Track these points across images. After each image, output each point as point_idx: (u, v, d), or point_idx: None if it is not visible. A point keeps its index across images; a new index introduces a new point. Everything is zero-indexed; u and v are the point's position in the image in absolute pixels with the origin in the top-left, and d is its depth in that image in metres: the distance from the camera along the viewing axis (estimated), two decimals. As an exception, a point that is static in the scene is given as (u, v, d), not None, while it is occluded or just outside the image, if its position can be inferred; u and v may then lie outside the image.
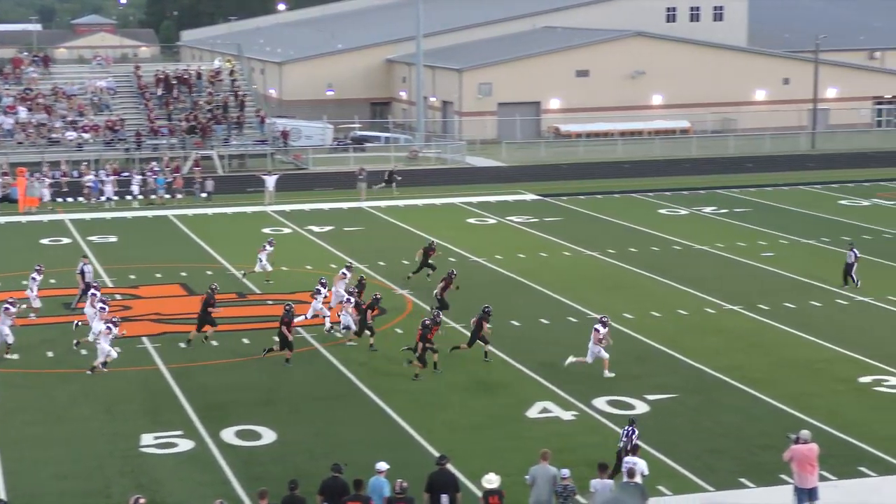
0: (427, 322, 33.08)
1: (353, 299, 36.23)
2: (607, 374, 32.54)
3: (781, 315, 39.07)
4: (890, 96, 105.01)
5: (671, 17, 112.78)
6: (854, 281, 42.83)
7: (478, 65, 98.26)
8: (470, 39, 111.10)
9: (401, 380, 32.40)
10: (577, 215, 59.78)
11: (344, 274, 39.44)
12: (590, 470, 24.66)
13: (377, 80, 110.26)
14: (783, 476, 24.64)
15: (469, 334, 34.53)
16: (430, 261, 44.13)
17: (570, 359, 32.96)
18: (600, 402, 30.36)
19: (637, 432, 24.37)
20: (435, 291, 39.38)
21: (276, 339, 34.27)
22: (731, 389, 31.66)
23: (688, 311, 39.83)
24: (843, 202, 63.06)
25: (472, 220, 58.68)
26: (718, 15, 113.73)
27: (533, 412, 29.74)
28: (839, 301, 41.04)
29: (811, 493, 23.00)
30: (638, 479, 22.42)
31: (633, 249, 50.26)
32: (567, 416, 29.51)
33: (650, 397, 30.75)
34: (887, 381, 32.28)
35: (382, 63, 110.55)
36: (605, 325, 32.93)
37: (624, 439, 24.39)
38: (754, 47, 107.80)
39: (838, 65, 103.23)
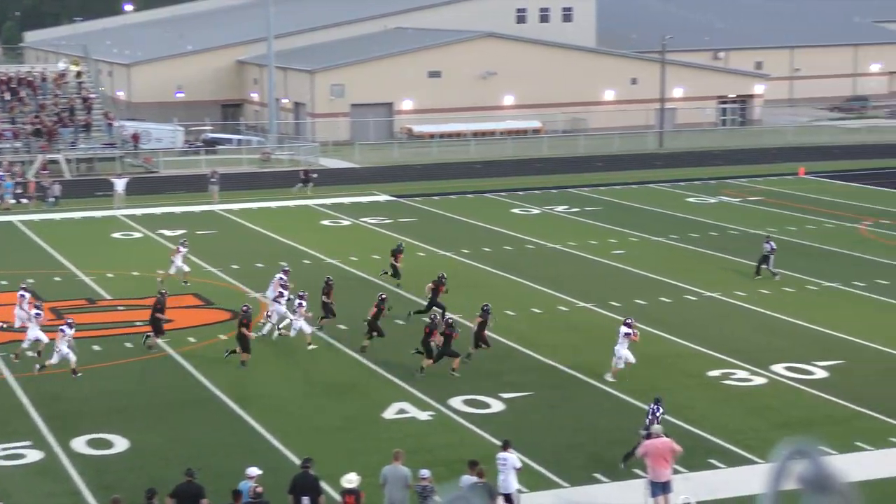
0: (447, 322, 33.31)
1: (304, 303, 35.85)
2: (610, 378, 32.29)
3: (632, 311, 39.67)
4: (734, 96, 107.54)
5: (521, 17, 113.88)
6: (772, 273, 44.07)
7: (330, 66, 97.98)
8: (322, 40, 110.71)
9: (257, 385, 32.15)
10: (431, 216, 60.00)
11: (282, 278, 39.17)
12: (447, 470, 24.80)
13: (228, 82, 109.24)
14: (636, 470, 25.03)
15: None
16: (397, 264, 43.58)
17: (609, 377, 32.42)
18: (456, 402, 30.49)
19: (662, 409, 25.62)
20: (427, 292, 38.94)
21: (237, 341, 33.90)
22: (586, 386, 32.08)
23: (542, 310, 40.24)
24: (690, 200, 64.37)
25: (325, 222, 58.49)
26: (567, 16, 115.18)
27: (389, 413, 29.74)
28: (688, 297, 41.87)
29: (665, 487, 23.42)
30: (509, 474, 22.84)
31: (486, 249, 50.62)
32: (424, 416, 29.57)
33: (506, 395, 30.98)
34: (734, 374, 33.02)
35: (233, 64, 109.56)
36: (630, 325, 32.56)
37: (650, 417, 25.47)
38: (603, 48, 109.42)
39: (684, 65, 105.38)
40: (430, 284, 38.79)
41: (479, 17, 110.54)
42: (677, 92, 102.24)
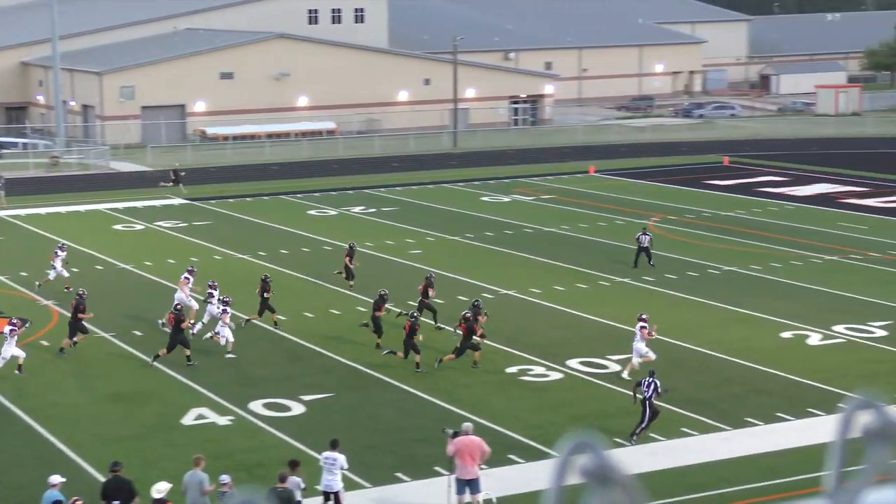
0: (468, 312, 33.67)
1: (228, 309, 35.33)
2: (626, 375, 32.39)
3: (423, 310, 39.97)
4: (525, 96, 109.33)
5: (313, 19, 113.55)
6: (650, 263, 45.60)
7: (119, 67, 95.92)
8: (110, 41, 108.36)
9: (50, 395, 31.30)
10: (227, 218, 59.34)
11: (187, 279, 38.71)
12: (248, 475, 24.64)
13: (12, 84, 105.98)
14: (438, 468, 25.24)
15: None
16: (351, 265, 43.18)
17: (625, 373, 32.54)
18: (256, 406, 30.26)
19: (658, 382, 27.39)
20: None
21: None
22: (385, 386, 32.20)
23: (340, 311, 40.22)
24: (484, 199, 65.19)
25: (118, 227, 57.28)
26: (360, 17, 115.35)
27: (188, 419, 29.33)
28: (485, 295, 42.35)
29: (471, 484, 23.68)
30: (337, 473, 22.96)
31: (284, 251, 50.35)
32: (223, 421, 29.25)
33: (306, 397, 30.88)
34: (531, 370, 33.58)
35: (17, 66, 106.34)
36: (645, 321, 32.89)
37: (646, 390, 27.31)
38: (396, 49, 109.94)
39: (475, 66, 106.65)
40: (421, 285, 38.67)
41: (270, 18, 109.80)
42: (470, 92, 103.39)
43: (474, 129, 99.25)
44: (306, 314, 39.50)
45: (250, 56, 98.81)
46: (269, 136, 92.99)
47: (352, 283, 43.10)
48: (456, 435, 23.80)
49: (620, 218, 58.20)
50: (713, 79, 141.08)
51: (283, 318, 38.37)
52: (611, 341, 36.26)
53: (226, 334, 34.96)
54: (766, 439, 28.13)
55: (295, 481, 22.18)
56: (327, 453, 23.48)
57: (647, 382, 27.66)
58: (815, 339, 36.65)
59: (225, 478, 22.16)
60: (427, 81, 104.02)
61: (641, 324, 33.03)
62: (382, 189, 68.43)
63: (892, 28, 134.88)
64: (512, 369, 33.67)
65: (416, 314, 34.54)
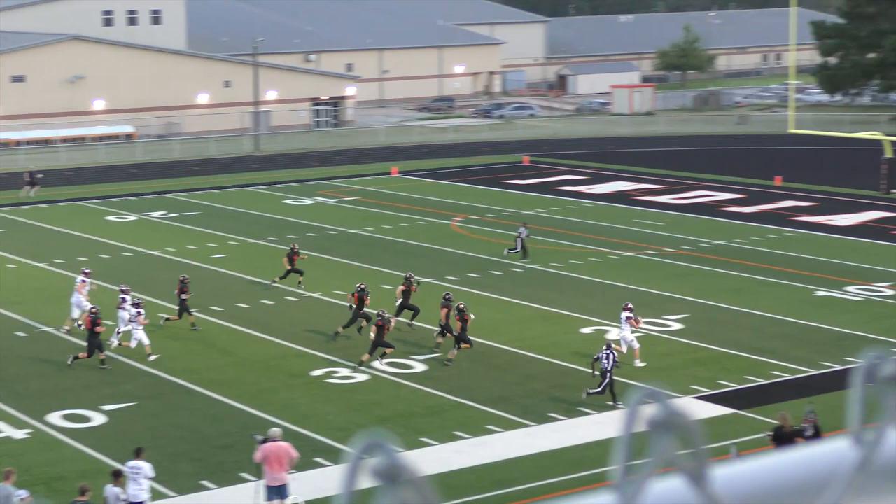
0: (458, 306, 34.58)
1: (142, 311, 34.74)
2: (639, 363, 33.64)
3: (235, 315, 39.59)
4: (326, 98, 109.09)
5: (108, 20, 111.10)
6: (525, 254, 47.45)
7: None
8: None
9: None
10: (21, 226, 57.61)
11: (84, 281, 38.07)
12: (47, 489, 23.98)
13: None
14: (244, 475, 24.96)
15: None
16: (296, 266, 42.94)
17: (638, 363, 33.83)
18: (54, 418, 29.46)
19: (616, 354, 30.42)
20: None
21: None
22: (189, 393, 31.71)
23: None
24: (288, 201, 64.78)
25: None
26: (156, 19, 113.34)
27: (-17, 434, 28.38)
28: (289, 298, 42.12)
29: (280, 491, 23.48)
30: (143, 482, 22.47)
31: (82, 258, 49.10)
32: (19, 434, 28.38)
33: (107, 407, 30.19)
34: (337, 372, 33.51)
35: None
36: (630, 310, 34.22)
37: (606, 361, 29.98)
38: (194, 51, 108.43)
39: (276, 68, 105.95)
40: (401, 286, 38.35)
41: (62, 19, 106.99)
42: (271, 94, 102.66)
43: (276, 132, 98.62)
44: (107, 322, 38.57)
45: (42, 59, 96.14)
46: (64, 140, 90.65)
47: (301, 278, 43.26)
48: (265, 441, 23.58)
49: (423, 218, 58.52)
50: (512, 79, 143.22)
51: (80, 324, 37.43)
52: (415, 341, 36.36)
53: (140, 336, 34.45)
54: (569, 433, 28.63)
55: (115, 491, 21.75)
56: (132, 462, 23.01)
57: (605, 355, 30.32)
58: (614, 333, 37.43)
59: (22, 493, 21.52)
60: (227, 84, 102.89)
61: (627, 314, 34.22)
62: (183, 193, 67.38)
63: (682, 29, 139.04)
64: (317, 372, 33.53)
65: (383, 312, 34.41)
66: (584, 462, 26.49)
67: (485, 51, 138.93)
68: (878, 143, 66.79)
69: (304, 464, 25.92)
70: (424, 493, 1.30)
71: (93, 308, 34.43)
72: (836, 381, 31.20)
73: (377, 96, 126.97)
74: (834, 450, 1.34)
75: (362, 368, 33.47)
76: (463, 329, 34.44)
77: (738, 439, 27.17)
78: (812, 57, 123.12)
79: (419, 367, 33.90)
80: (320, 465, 26.32)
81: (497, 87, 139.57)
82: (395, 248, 51.44)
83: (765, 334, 37.12)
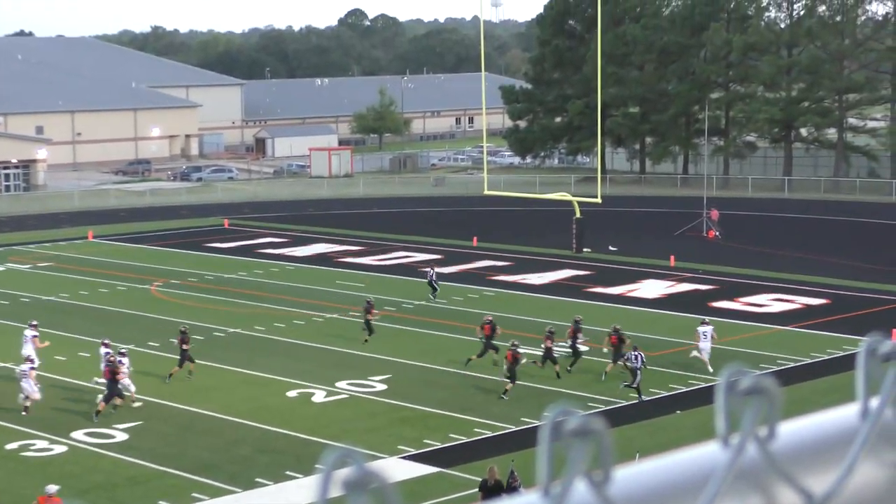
0: None
1: (124, 360, 35.88)
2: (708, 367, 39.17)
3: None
4: (16, 161, 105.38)
5: None
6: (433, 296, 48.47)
7: None
8: None
9: None
10: None
11: (36, 336, 39.32)
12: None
13: None
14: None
15: None
16: None
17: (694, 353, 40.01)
18: None
19: (643, 355, 36.49)
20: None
21: None
22: None
23: None
24: (-24, 268, 62.13)
25: None
26: None
27: None
28: (-20, 369, 40.36)
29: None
30: None
31: None
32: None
33: None
34: (34, 444, 32.28)
35: None
36: (707, 324, 40.63)
37: (635, 361, 35.93)
38: None
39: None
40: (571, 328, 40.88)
41: None
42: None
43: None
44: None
45: None
46: None
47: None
48: None
49: (122, 284, 57.17)
50: (210, 142, 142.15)
51: None
52: (122, 409, 35.40)
53: (126, 383, 35.60)
54: (277, 497, 28.41)
55: None
56: None
57: (634, 356, 36.17)
58: (319, 395, 37.50)
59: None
60: None
61: (705, 328, 40.17)
62: None
63: (377, 93, 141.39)
64: (12, 445, 32.20)
65: (516, 343, 37.82)
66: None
67: (181, 113, 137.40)
68: (568, 203, 69.52)
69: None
70: (394, 500, 1.34)
71: (111, 356, 35.79)
72: (534, 437, 32.08)
73: (70, 159, 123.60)
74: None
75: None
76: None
77: (443, 497, 27.60)
78: (503, 120, 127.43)
79: (120, 437, 33.01)
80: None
81: (194, 150, 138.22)
82: (92, 314, 50.03)
83: (466, 392, 37.89)
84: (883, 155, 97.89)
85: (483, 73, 75.31)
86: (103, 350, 37.35)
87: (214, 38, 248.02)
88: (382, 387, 38.38)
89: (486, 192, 73.77)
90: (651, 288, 55.20)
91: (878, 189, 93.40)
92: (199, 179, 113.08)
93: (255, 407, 35.97)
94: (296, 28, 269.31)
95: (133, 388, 35.98)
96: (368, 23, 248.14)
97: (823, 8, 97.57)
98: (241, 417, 34.93)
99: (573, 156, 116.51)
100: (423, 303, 51.85)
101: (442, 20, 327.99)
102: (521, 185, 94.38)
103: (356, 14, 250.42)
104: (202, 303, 52.26)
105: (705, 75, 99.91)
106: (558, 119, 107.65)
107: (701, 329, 40.28)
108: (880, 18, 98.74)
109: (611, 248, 66.20)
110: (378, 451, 30.26)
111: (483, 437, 33.39)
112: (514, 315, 49.18)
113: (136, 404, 35.63)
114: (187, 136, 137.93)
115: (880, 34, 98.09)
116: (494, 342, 40.33)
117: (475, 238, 69.76)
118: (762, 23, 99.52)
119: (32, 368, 35.96)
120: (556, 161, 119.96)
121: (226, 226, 78.83)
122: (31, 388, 35.37)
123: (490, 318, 41.41)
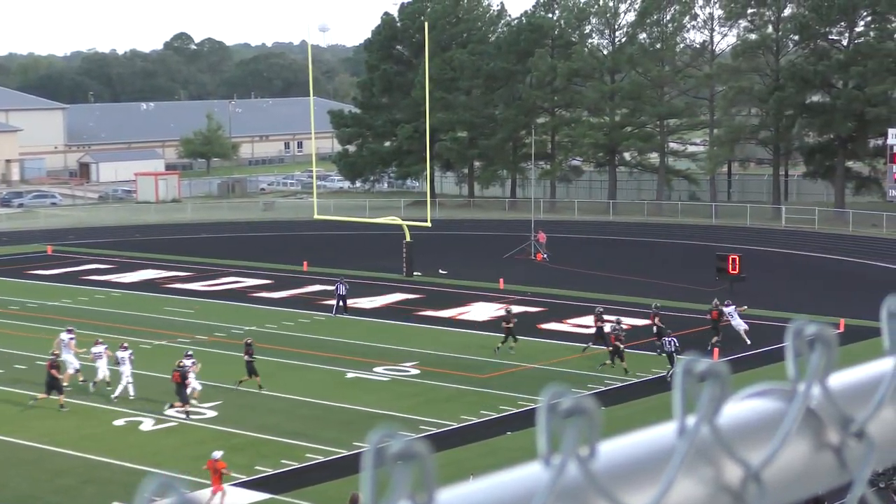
0: None
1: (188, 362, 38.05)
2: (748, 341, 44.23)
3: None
4: None
5: None
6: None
7: None
8: None
9: None
10: None
11: (72, 339, 41.50)
12: None
13: None
14: None
15: None
16: None
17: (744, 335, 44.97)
18: None
19: (676, 340, 40.50)
20: None
21: None
22: None
23: None
24: None
25: None
26: None
27: None
28: None
29: None
30: None
31: None
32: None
33: None
34: None
35: None
36: (729, 304, 45.78)
37: (669, 346, 39.91)
38: None
39: None
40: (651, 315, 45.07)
41: None
42: None
43: None
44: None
45: None
46: None
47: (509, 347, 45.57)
48: None
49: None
50: (31, 167, 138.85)
51: None
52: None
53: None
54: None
55: None
56: None
57: (668, 342, 40.55)
58: (148, 424, 36.86)
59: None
60: None
61: (730, 308, 45.65)
62: None
63: (205, 117, 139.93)
64: None
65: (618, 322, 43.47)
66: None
67: (0, 138, 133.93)
68: (398, 227, 69.75)
69: None
70: (430, 467, 1.37)
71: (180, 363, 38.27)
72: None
73: None
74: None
75: None
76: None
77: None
78: (333, 145, 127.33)
79: (-61, 472, 31.94)
80: None
81: (16, 176, 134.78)
82: None
83: (296, 417, 37.67)
84: (703, 178, 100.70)
85: (311, 97, 75.25)
86: (96, 349, 40.91)
87: (35, 62, 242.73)
88: (212, 413, 37.92)
89: (317, 216, 73.62)
90: (481, 310, 55.69)
91: (698, 212, 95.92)
92: (21, 205, 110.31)
93: (79, 436, 35.19)
94: (120, 52, 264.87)
95: (199, 388, 38.89)
96: (195, 46, 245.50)
97: (644, 36, 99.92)
98: (65, 447, 34.13)
99: (402, 180, 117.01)
100: (253, 328, 51.29)
101: (269, 45, 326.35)
102: (351, 209, 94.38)
103: (182, 38, 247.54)
104: (24, 331, 50.93)
105: (531, 101, 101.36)
106: (387, 143, 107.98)
107: (727, 310, 45.38)
108: (698, 46, 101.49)
109: (441, 271, 66.60)
110: (206, 478, 29.83)
111: (315, 461, 33.23)
112: (347, 339, 49.09)
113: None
114: (7, 161, 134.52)
115: (698, 61, 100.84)
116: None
117: (305, 263, 69.46)
118: (586, 49, 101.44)
119: None
120: (386, 185, 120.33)
121: (49, 252, 77.03)
122: None
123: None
